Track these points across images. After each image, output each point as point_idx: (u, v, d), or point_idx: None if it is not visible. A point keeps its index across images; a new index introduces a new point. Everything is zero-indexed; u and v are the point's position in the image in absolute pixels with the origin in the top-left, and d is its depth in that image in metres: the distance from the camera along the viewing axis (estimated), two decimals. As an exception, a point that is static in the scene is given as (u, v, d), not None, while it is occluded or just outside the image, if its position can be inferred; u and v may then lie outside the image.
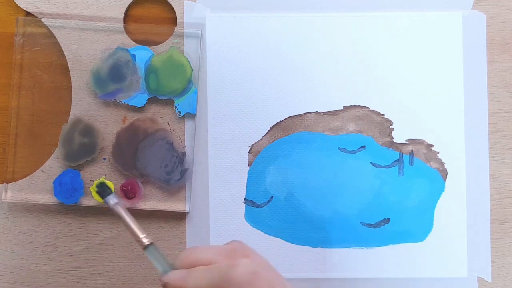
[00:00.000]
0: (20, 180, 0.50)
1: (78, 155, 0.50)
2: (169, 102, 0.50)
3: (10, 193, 0.50)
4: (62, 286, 0.51)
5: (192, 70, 0.50)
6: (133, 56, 0.50)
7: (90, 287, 0.51)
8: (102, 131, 0.50)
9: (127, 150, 0.50)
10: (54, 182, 0.49)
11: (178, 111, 0.50)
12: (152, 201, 0.50)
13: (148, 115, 0.50)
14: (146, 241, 0.40)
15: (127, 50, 0.50)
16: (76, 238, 0.50)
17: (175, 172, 0.50)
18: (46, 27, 0.50)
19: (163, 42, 0.50)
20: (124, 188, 0.49)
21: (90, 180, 0.50)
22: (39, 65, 0.50)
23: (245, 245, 0.39)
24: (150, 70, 0.50)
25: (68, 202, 0.49)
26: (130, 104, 0.50)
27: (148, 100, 0.50)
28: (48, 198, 0.50)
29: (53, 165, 0.50)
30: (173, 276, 0.38)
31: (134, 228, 0.40)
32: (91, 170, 0.50)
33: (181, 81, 0.50)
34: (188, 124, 0.50)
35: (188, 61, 0.50)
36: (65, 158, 0.50)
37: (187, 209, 0.50)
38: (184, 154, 0.50)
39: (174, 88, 0.50)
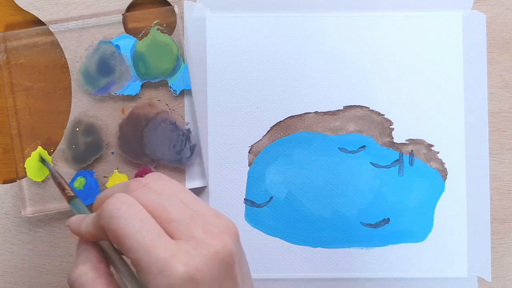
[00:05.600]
0: (35, 193, 0.50)
1: (86, 155, 0.50)
2: (163, 84, 0.50)
3: (30, 208, 0.50)
4: (62, 286, 0.51)
5: (178, 47, 0.50)
6: (117, 46, 0.50)
7: (90, 287, 0.51)
8: (104, 127, 0.50)
9: (133, 139, 0.50)
10: None
11: (173, 90, 0.50)
12: None
13: (145, 101, 0.50)
14: (71, 194, 0.43)
15: (110, 42, 0.50)
16: (76, 238, 0.50)
17: (184, 150, 0.50)
18: (26, 38, 0.50)
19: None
20: (138, 177, 0.49)
21: (104, 177, 0.50)
22: (27, 77, 0.50)
23: (149, 176, 0.38)
24: (137, 57, 0.50)
25: (88, 202, 0.49)
26: (125, 94, 0.50)
27: (141, 86, 0.50)
28: (67, 205, 0.50)
29: (64, 171, 0.50)
30: (73, 219, 0.38)
31: (65, 185, 0.45)
32: (102, 166, 0.50)
33: (170, 60, 0.50)
34: (186, 100, 0.50)
35: (172, 39, 0.50)
36: (74, 161, 0.50)
37: (204, 184, 0.50)
38: (189, 130, 0.50)
39: (164, 68, 0.50)
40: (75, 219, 0.39)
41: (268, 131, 0.51)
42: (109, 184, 0.50)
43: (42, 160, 0.49)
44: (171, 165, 0.50)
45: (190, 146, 0.50)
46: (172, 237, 0.34)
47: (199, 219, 0.35)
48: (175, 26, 0.50)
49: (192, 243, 0.34)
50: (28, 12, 0.50)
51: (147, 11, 0.51)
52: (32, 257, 0.51)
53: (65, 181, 0.46)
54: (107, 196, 0.36)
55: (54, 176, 0.47)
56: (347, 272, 0.50)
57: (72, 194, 0.43)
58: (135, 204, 0.35)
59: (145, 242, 0.33)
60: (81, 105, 0.50)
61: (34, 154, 0.50)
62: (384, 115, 0.51)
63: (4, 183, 0.51)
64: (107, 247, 0.38)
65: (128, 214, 0.34)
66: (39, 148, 0.50)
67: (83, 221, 0.38)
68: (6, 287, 0.50)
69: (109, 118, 0.50)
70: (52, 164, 0.49)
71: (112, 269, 0.38)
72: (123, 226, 0.34)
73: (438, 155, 0.51)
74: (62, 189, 0.45)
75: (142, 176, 0.49)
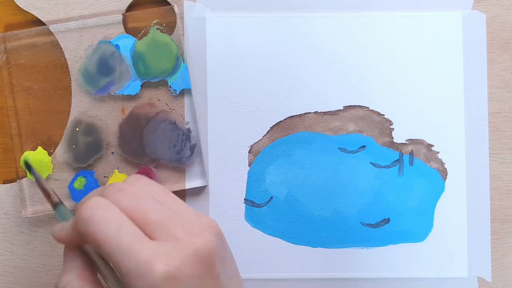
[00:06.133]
0: (35, 193, 0.50)
1: (86, 155, 0.50)
2: (163, 83, 0.50)
3: (30, 208, 0.50)
4: (62, 286, 0.51)
5: (177, 46, 0.50)
6: (117, 46, 0.50)
7: (90, 287, 0.51)
8: (104, 127, 0.50)
9: (133, 139, 0.50)
10: (69, 187, 0.49)
11: (173, 89, 0.50)
12: (169, 183, 0.50)
13: (145, 101, 0.50)
14: (57, 200, 0.42)
15: (109, 42, 0.50)
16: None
17: (184, 149, 0.50)
18: (26, 38, 0.50)
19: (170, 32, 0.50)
20: None
21: (104, 177, 0.50)
22: (27, 77, 0.50)
23: (127, 179, 0.37)
24: (136, 56, 0.50)
25: None
26: (125, 94, 0.50)
27: (141, 86, 0.50)
28: (67, 205, 0.49)
29: (64, 171, 0.50)
30: (55, 228, 0.38)
31: (50, 191, 0.43)
32: (102, 166, 0.50)
33: (169, 60, 0.50)
34: (186, 100, 0.50)
35: (172, 39, 0.50)
36: (74, 161, 0.50)
37: (205, 183, 0.50)
38: (189, 130, 0.50)
39: (164, 68, 0.50)
40: (57, 227, 0.38)
41: (268, 131, 0.51)
42: (23, 166, 0.49)
43: (28, 166, 0.48)
44: (171, 165, 0.50)
45: (190, 146, 0.50)
46: (151, 238, 0.34)
47: (177, 218, 0.35)
48: (175, 26, 0.50)
49: (172, 242, 0.33)
50: (28, 12, 0.50)
51: (147, 10, 0.51)
52: (32, 257, 0.51)
53: (50, 187, 0.45)
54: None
55: (39, 182, 0.45)
56: (347, 272, 0.50)
57: (57, 200, 0.43)
58: (111, 208, 0.34)
59: (124, 246, 0.33)
60: (81, 105, 0.50)
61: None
62: (384, 115, 0.51)
63: (4, 183, 0.51)
64: (91, 251, 0.37)
65: (105, 218, 0.34)
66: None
67: (64, 227, 0.37)
68: (6, 287, 0.50)
69: (109, 118, 0.50)
70: (36, 169, 0.48)
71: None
72: (100, 231, 0.33)
73: (438, 155, 0.51)
74: (47, 195, 0.43)
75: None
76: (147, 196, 0.36)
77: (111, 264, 0.34)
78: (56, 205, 0.42)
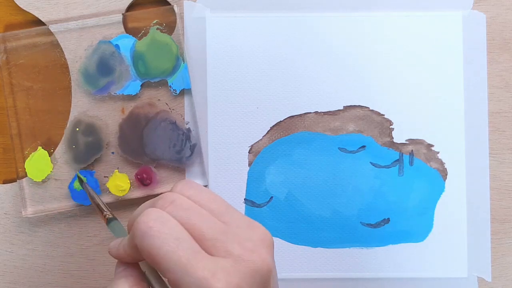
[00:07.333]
0: (35, 193, 0.50)
1: (86, 155, 0.50)
2: (163, 83, 0.50)
3: (30, 208, 0.50)
4: (62, 286, 0.51)
5: (177, 46, 0.50)
6: (117, 46, 0.50)
7: (90, 287, 0.51)
8: (104, 127, 0.50)
9: (133, 139, 0.50)
10: (69, 187, 0.49)
11: (173, 89, 0.50)
12: (169, 184, 0.50)
13: (145, 101, 0.50)
14: (110, 215, 0.42)
15: (109, 42, 0.50)
16: (76, 238, 0.51)
17: (184, 149, 0.50)
18: (26, 38, 0.50)
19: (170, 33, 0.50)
20: (138, 176, 0.49)
21: (104, 177, 0.50)
22: (27, 77, 0.50)
23: (177, 186, 0.36)
24: (136, 56, 0.50)
25: (88, 203, 0.49)
26: (125, 94, 0.50)
27: (141, 86, 0.50)
28: (67, 205, 0.50)
29: (64, 171, 0.50)
30: (112, 244, 0.37)
31: (102, 206, 0.44)
32: (103, 166, 0.50)
33: (169, 60, 0.50)
34: (186, 100, 0.50)
35: (172, 39, 0.50)
36: (74, 161, 0.50)
37: (205, 183, 0.50)
38: (189, 130, 0.50)
39: (164, 68, 0.50)
40: (114, 243, 0.37)
41: (268, 131, 0.51)
42: (109, 184, 0.50)
43: (81, 181, 0.48)
44: (171, 165, 0.50)
45: (190, 146, 0.50)
46: (208, 253, 0.33)
47: (232, 234, 0.34)
48: (174, 26, 0.50)
49: (230, 260, 0.32)
50: (28, 12, 0.50)
51: (146, 10, 0.51)
52: (32, 257, 0.51)
53: (103, 202, 0.45)
54: (138, 216, 0.34)
55: (92, 198, 0.46)
56: (347, 272, 0.50)
57: (110, 215, 0.42)
58: (169, 220, 0.33)
59: (182, 262, 0.32)
60: (81, 105, 0.50)
61: (36, 157, 0.49)
62: (384, 115, 0.51)
63: (4, 183, 0.51)
64: (145, 267, 0.36)
65: (162, 233, 0.32)
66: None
67: (121, 243, 0.36)
68: (6, 287, 0.50)
69: (109, 118, 0.50)
70: (84, 179, 0.49)
71: None
72: (158, 246, 0.32)
73: (438, 155, 0.51)
74: (100, 211, 0.44)
75: (143, 176, 0.49)
76: (199, 207, 0.34)
77: (167, 281, 0.33)
78: (109, 220, 0.42)
